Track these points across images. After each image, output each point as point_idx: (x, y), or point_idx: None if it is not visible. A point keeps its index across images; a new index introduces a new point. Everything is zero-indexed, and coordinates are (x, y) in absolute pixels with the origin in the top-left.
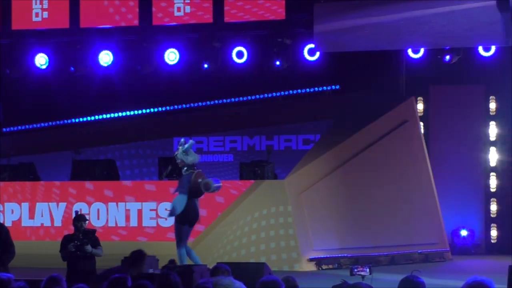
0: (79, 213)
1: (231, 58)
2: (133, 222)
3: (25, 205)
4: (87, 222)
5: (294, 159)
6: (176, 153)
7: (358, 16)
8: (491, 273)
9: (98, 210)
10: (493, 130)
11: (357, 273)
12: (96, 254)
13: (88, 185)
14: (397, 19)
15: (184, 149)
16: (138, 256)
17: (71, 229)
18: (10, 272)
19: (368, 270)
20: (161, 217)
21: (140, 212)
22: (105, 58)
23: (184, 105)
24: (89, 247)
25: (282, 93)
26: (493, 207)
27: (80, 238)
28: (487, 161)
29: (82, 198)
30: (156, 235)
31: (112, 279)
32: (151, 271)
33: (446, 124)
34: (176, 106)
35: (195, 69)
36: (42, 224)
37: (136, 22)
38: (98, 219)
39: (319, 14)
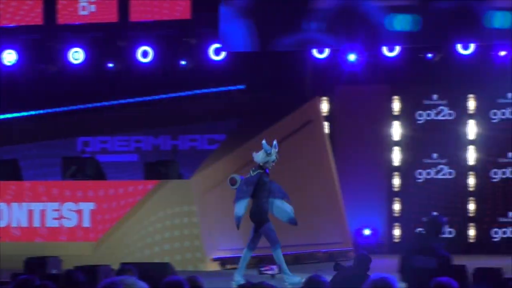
0: None
1: (136, 57)
2: (36, 223)
3: None
4: None
5: (199, 159)
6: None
7: (263, 17)
8: (394, 272)
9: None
10: (396, 130)
11: (265, 272)
12: None
13: None
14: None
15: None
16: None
17: None
18: None
19: (276, 269)
20: (64, 217)
21: (43, 212)
22: (9, 57)
23: (89, 105)
24: None
25: (188, 93)
26: (396, 207)
27: None
28: (390, 161)
29: None
30: (59, 236)
31: (19, 280)
32: (54, 271)
33: (350, 124)
34: (81, 106)
35: (100, 68)
36: None
37: (40, 21)
38: (0, 219)
39: (225, 14)
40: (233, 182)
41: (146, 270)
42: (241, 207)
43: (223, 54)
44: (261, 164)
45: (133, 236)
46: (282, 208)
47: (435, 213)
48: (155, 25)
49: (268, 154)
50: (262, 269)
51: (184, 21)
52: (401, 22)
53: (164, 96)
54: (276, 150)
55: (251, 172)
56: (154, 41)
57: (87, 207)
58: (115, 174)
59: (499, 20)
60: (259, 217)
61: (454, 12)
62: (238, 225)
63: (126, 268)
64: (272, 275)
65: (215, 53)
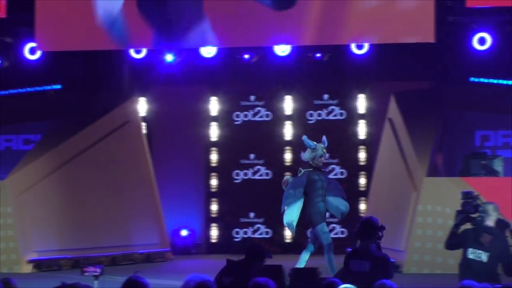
0: None
1: None
2: None
3: None
4: None
5: (15, 160)
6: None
7: (83, 15)
8: (210, 272)
9: None
10: (214, 131)
11: (88, 272)
12: None
13: None
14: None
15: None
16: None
17: None
18: None
19: (100, 270)
20: None
21: None
22: None
23: None
24: None
25: (2, 92)
26: (214, 207)
27: None
28: (208, 162)
29: None
30: None
31: None
32: None
33: (168, 125)
34: None
35: None
36: None
37: None
38: None
39: (41, 13)
40: (287, 184)
41: None
42: (292, 213)
43: (38, 53)
44: (310, 161)
45: None
46: (333, 204)
47: (366, 216)
48: None
49: (313, 149)
50: (86, 270)
51: None
52: None
53: None
54: (325, 145)
55: (299, 172)
56: None
57: None
58: None
59: None
60: (311, 217)
61: None
62: (292, 232)
63: None
64: (96, 276)
65: (30, 52)
